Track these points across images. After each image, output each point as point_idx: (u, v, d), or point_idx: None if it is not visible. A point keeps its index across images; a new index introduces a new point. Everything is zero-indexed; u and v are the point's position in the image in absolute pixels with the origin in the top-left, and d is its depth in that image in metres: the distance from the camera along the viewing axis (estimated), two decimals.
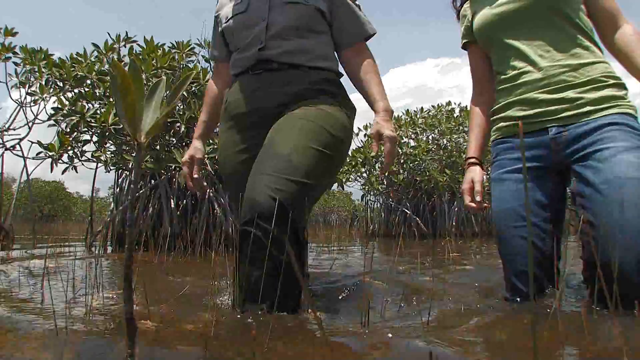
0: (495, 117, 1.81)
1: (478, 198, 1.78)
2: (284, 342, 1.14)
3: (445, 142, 9.23)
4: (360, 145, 8.73)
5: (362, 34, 1.93)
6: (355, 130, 9.20)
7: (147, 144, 0.58)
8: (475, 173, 1.82)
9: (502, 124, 1.77)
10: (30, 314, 1.43)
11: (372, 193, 9.61)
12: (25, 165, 5.58)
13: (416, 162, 8.86)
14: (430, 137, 9.31)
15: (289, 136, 1.62)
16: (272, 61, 1.83)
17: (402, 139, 9.03)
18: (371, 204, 10.04)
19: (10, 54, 5.27)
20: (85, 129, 4.51)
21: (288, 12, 1.83)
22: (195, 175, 1.96)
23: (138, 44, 5.03)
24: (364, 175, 8.98)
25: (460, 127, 9.25)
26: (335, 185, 5.62)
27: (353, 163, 8.06)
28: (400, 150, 8.71)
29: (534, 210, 1.66)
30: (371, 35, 1.95)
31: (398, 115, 9.70)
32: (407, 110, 9.78)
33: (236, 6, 1.93)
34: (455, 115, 9.58)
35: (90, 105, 4.63)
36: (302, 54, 1.83)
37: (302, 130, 1.64)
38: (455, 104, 9.95)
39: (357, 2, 1.97)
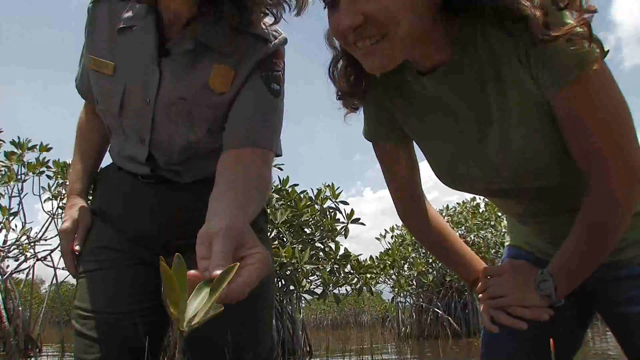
0: None
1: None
2: None
3: (472, 237, 9.08)
4: (387, 248, 8.65)
5: None
6: (382, 232, 9.23)
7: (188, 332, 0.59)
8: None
9: None
10: None
11: (402, 294, 9.39)
12: (55, 275, 5.65)
13: None
14: (457, 234, 9.20)
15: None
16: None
17: None
18: (401, 305, 9.80)
19: (44, 168, 5.49)
20: None
21: None
22: (77, 248, 1.30)
23: None
24: (393, 277, 8.83)
25: (487, 222, 9.13)
26: (364, 289, 5.56)
27: (381, 266, 7.95)
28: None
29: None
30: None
31: None
32: None
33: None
34: (480, 211, 9.49)
35: None
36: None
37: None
38: (480, 198, 9.89)
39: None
